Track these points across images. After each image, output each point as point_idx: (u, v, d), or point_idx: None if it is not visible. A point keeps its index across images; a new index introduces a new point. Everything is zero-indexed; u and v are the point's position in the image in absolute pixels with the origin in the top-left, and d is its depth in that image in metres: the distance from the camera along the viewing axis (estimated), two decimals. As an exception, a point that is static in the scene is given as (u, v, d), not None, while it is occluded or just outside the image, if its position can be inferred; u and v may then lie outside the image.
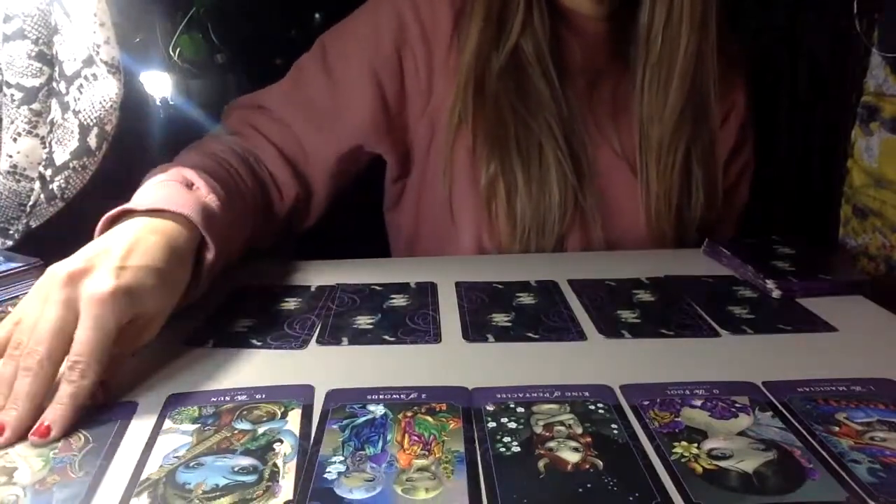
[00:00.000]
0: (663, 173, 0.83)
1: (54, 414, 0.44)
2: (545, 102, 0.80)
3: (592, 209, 0.82)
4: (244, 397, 0.49)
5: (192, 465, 0.41)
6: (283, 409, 0.47)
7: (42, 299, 0.47)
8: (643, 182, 0.84)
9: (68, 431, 0.45)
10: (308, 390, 0.50)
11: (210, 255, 0.59)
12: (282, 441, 0.43)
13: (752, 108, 0.90)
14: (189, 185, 0.62)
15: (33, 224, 0.70)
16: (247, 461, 0.42)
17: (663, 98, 0.81)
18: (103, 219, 0.57)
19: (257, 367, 0.54)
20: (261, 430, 0.45)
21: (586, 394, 0.49)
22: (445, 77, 0.82)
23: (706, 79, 0.82)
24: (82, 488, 0.40)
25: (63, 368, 0.46)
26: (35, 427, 0.44)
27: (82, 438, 0.44)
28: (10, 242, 0.70)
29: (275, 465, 0.41)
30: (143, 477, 0.41)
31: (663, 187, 0.83)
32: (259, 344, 0.58)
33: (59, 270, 0.48)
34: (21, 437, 0.44)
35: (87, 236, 0.56)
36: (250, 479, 0.40)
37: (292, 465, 0.41)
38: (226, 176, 0.69)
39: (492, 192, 0.80)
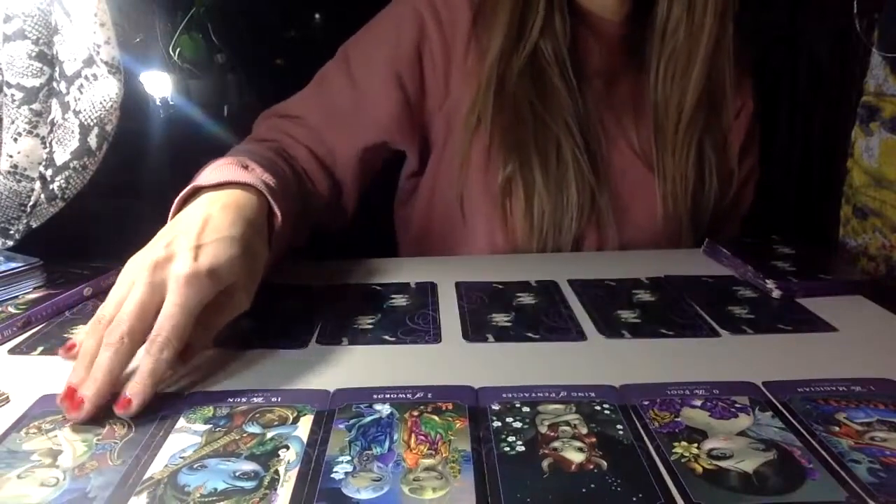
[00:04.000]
0: (678, 160, 0.84)
1: (134, 388, 0.47)
2: (563, 102, 0.81)
3: (608, 207, 0.83)
4: (260, 399, 0.49)
5: (195, 466, 0.42)
6: (295, 414, 0.47)
7: (128, 284, 0.50)
8: (659, 171, 0.85)
9: (147, 404, 0.47)
10: (323, 395, 0.49)
11: (277, 220, 0.62)
12: (288, 447, 0.43)
13: (758, 112, 0.91)
14: (245, 167, 0.64)
15: (34, 224, 0.70)
16: (249, 466, 0.42)
17: (680, 88, 0.83)
18: (177, 200, 0.60)
19: (257, 368, 0.54)
20: (269, 435, 0.45)
21: (592, 394, 0.49)
22: (463, 76, 0.83)
23: (723, 70, 0.83)
24: (117, 476, 0.41)
25: (144, 346, 0.48)
26: (118, 400, 0.46)
27: (126, 426, 0.45)
28: (10, 242, 0.70)
29: (276, 472, 0.41)
30: (146, 475, 0.41)
31: (679, 172, 0.84)
32: (259, 344, 0.58)
33: (143, 259, 0.51)
34: (99, 409, 0.46)
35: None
36: (249, 485, 0.40)
37: (294, 473, 0.41)
38: (271, 163, 0.71)
39: (508, 190, 0.81)
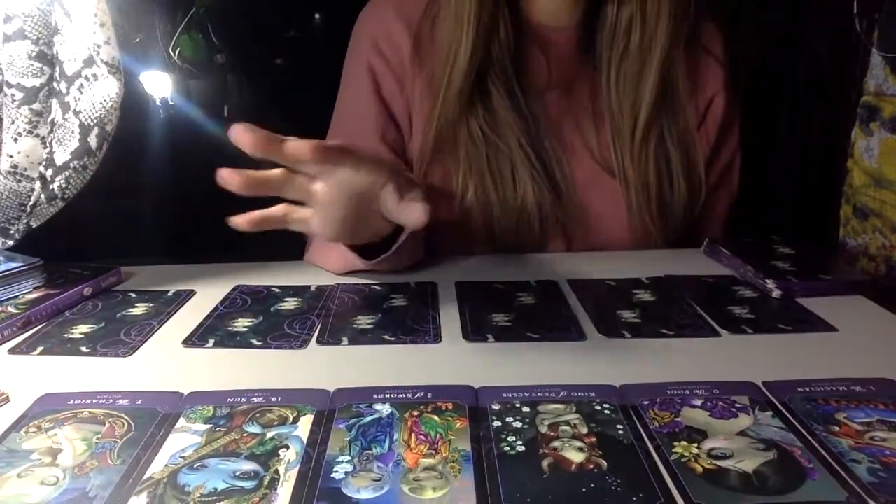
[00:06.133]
0: (639, 164, 0.81)
1: None
2: (513, 122, 0.79)
3: (574, 223, 0.82)
4: (260, 399, 0.49)
5: (195, 466, 0.42)
6: (295, 414, 0.47)
7: None
8: (621, 178, 0.82)
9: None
10: (323, 395, 0.49)
11: None
12: (288, 447, 0.43)
13: (734, 99, 0.87)
14: None
15: (34, 224, 0.70)
16: (249, 466, 0.42)
17: (634, 90, 0.80)
18: None
19: (257, 368, 0.54)
20: (269, 435, 0.45)
21: (592, 394, 0.49)
22: (419, 100, 0.82)
23: (676, 67, 0.81)
24: (117, 476, 0.41)
25: None
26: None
27: (125, 425, 0.46)
28: (10, 242, 0.70)
29: (276, 471, 0.41)
30: (146, 475, 0.41)
31: (641, 178, 0.81)
32: (259, 344, 0.58)
33: None
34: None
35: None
36: (249, 484, 0.40)
37: (294, 472, 0.41)
38: None
39: (468, 215, 0.80)
